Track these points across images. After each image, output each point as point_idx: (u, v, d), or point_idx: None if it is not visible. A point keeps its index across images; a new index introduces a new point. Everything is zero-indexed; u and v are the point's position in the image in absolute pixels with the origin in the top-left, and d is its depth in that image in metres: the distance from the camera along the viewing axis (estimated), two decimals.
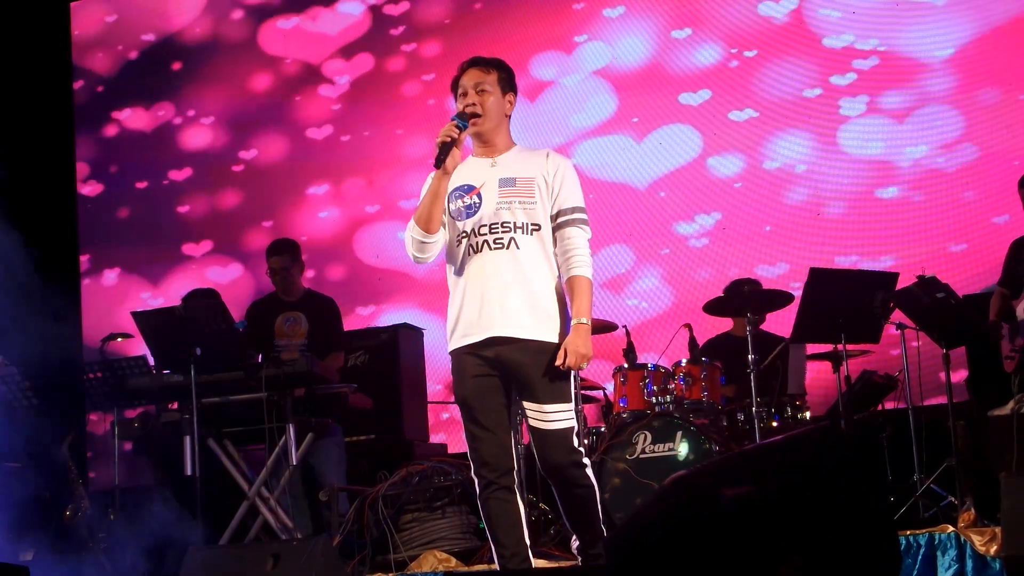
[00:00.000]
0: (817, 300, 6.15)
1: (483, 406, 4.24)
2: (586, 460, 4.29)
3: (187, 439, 6.06)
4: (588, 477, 4.26)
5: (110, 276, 9.71)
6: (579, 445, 4.29)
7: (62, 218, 9.80)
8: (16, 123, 9.58)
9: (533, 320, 4.23)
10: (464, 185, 4.35)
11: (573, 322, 4.24)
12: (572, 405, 4.27)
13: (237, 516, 6.19)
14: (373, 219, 9.06)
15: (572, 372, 4.28)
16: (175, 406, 7.02)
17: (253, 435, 6.24)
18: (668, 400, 6.36)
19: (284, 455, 6.09)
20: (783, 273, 7.74)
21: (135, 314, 6.31)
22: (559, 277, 4.33)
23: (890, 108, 7.80)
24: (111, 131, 9.87)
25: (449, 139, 4.22)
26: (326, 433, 6.53)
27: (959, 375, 6.61)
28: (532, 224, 4.28)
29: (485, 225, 4.27)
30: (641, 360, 6.68)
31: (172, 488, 6.75)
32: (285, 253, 6.94)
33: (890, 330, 6.37)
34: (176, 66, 9.77)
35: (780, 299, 6.65)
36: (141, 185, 9.71)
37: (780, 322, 6.92)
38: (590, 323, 4.24)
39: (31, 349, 8.76)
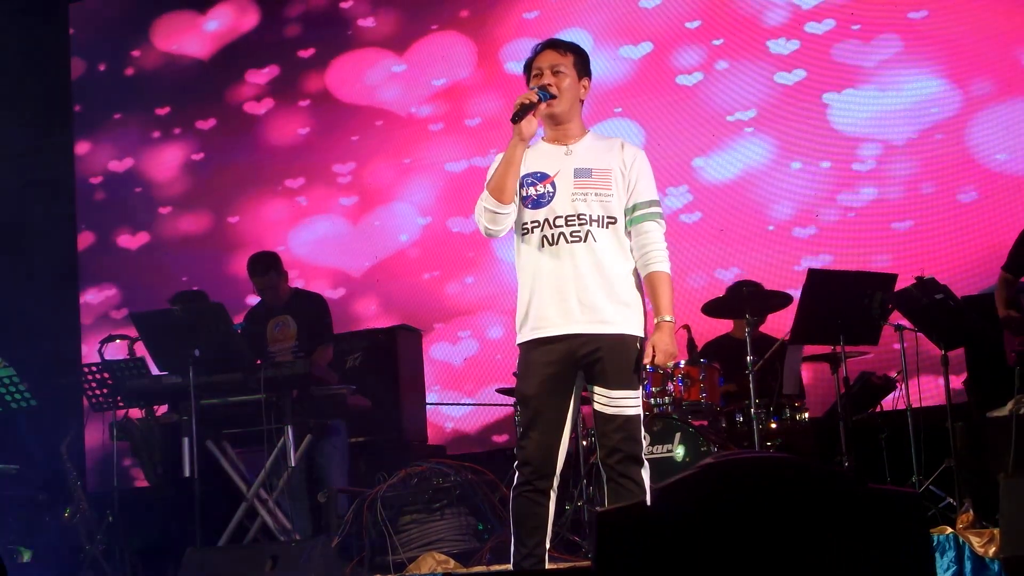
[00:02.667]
0: (816, 302, 6.15)
1: (542, 407, 4.17)
2: (645, 459, 4.19)
3: (185, 440, 6.05)
4: (642, 476, 4.14)
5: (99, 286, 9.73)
6: (642, 436, 4.19)
7: (60, 221, 9.82)
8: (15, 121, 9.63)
9: (613, 313, 4.16)
10: (537, 172, 4.25)
11: (657, 319, 4.18)
12: (640, 393, 4.19)
13: (236, 517, 6.18)
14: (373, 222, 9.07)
15: (643, 355, 4.20)
16: (163, 410, 7.04)
17: (252, 436, 6.23)
18: (667, 401, 6.35)
19: (283, 456, 6.09)
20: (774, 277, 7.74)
21: (134, 315, 6.31)
22: (634, 265, 4.25)
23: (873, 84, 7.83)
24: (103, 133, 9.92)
25: (528, 102, 4.12)
26: (326, 434, 6.52)
27: (958, 376, 6.61)
28: (608, 217, 4.20)
29: (560, 216, 4.18)
30: None
31: (165, 489, 6.76)
32: (269, 272, 6.91)
33: (889, 331, 6.37)
34: (129, 71, 9.84)
35: (779, 300, 6.65)
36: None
37: (782, 324, 6.92)
38: (674, 319, 4.20)
39: (30, 349, 8.80)
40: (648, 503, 2.34)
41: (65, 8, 10.13)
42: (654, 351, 4.13)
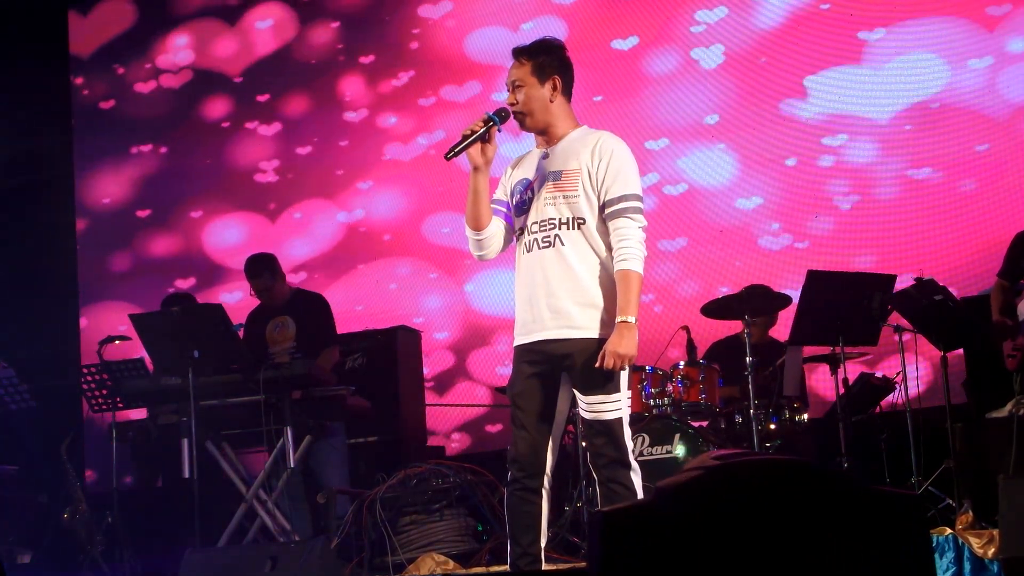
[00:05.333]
0: (815, 303, 6.15)
1: (526, 406, 4.21)
2: (634, 463, 4.16)
3: (185, 442, 6.04)
4: (630, 479, 4.13)
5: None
6: (627, 440, 4.15)
7: (60, 219, 9.83)
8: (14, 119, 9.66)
9: (582, 317, 4.15)
10: (523, 180, 4.30)
11: (617, 320, 4.09)
12: (620, 395, 4.14)
13: (235, 518, 6.18)
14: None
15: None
16: (142, 413, 7.03)
17: (251, 437, 6.22)
18: (666, 402, 6.35)
19: (282, 457, 6.09)
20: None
21: (133, 317, 6.30)
22: (612, 265, 4.18)
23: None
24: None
25: (471, 132, 4.15)
26: (325, 435, 6.52)
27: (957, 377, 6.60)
28: (577, 218, 4.18)
29: (536, 222, 4.22)
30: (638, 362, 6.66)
31: (169, 491, 6.76)
32: (264, 275, 6.87)
33: (888, 332, 6.36)
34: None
35: (778, 302, 6.64)
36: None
37: (781, 327, 6.92)
38: (635, 320, 4.07)
39: (30, 350, 8.80)
40: (652, 503, 2.34)
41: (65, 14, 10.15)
42: (604, 355, 4.06)
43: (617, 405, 4.15)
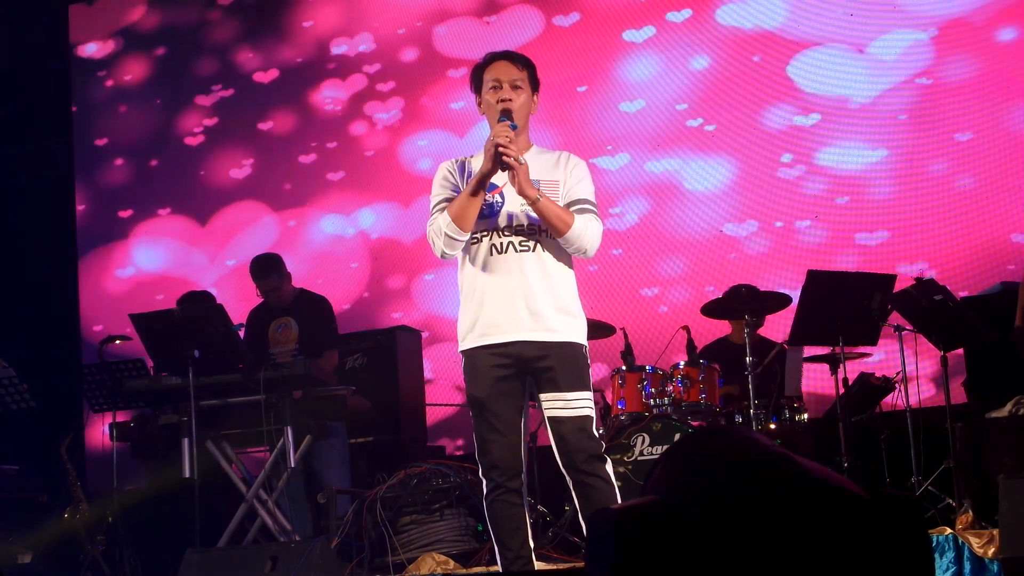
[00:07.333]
0: (815, 303, 6.15)
1: (498, 409, 4.23)
2: (606, 455, 4.26)
3: (185, 441, 6.05)
4: (607, 472, 4.22)
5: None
6: (599, 436, 4.27)
7: (60, 216, 9.83)
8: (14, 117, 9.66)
9: (559, 322, 4.22)
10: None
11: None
12: (591, 394, 4.27)
13: (235, 518, 6.17)
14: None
15: (588, 362, 4.30)
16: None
17: (251, 437, 6.22)
18: (666, 402, 6.36)
19: (282, 457, 6.09)
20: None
21: (133, 316, 6.30)
22: (573, 273, 4.33)
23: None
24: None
25: (507, 139, 4.14)
26: (326, 435, 6.52)
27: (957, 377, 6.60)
28: None
29: (511, 226, 4.24)
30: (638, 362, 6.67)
31: (169, 490, 6.76)
32: (271, 275, 6.88)
33: (888, 332, 6.37)
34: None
35: (778, 301, 6.65)
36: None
37: (780, 327, 6.92)
38: (538, 200, 4.12)
39: (30, 350, 8.80)
40: (668, 503, 2.35)
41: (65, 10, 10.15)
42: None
43: (591, 402, 4.27)
